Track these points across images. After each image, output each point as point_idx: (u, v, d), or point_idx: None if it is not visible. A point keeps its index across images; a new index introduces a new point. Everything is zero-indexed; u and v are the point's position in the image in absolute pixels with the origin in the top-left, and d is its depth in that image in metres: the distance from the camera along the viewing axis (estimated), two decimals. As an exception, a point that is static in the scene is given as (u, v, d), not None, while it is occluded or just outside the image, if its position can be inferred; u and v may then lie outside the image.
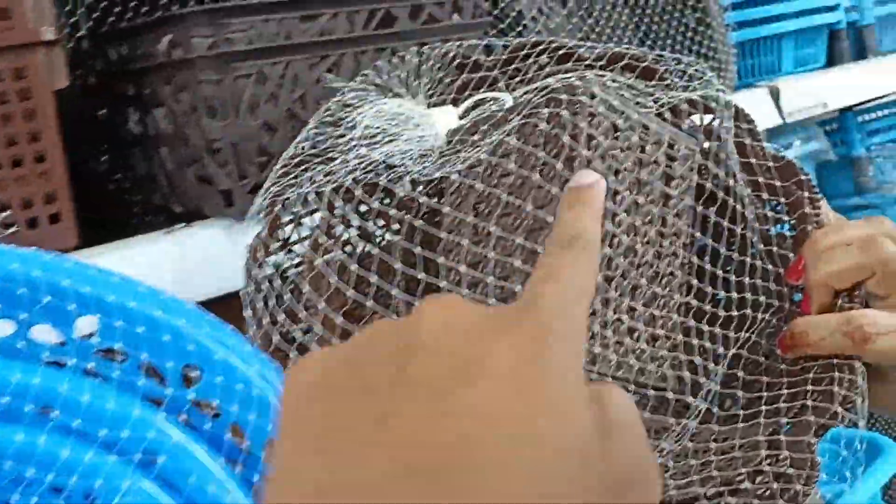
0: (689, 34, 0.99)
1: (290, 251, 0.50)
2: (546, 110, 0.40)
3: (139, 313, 0.33)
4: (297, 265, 0.48)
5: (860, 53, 1.46)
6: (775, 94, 1.19)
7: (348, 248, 0.49)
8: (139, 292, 0.34)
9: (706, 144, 0.50)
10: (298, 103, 0.67)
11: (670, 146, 0.45)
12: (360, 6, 0.69)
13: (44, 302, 0.32)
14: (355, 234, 0.48)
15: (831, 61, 1.39)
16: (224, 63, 0.63)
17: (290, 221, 0.50)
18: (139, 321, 0.33)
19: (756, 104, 1.19)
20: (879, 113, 1.51)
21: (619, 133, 0.42)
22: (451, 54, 0.51)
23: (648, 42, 0.97)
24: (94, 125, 0.72)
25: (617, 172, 0.42)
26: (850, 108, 1.46)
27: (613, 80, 0.44)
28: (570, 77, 0.41)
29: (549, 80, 0.41)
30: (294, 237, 0.50)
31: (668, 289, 0.45)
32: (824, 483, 0.89)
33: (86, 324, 0.33)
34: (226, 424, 0.36)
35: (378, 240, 0.49)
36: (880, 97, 1.46)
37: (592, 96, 0.41)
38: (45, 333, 0.33)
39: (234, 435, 0.36)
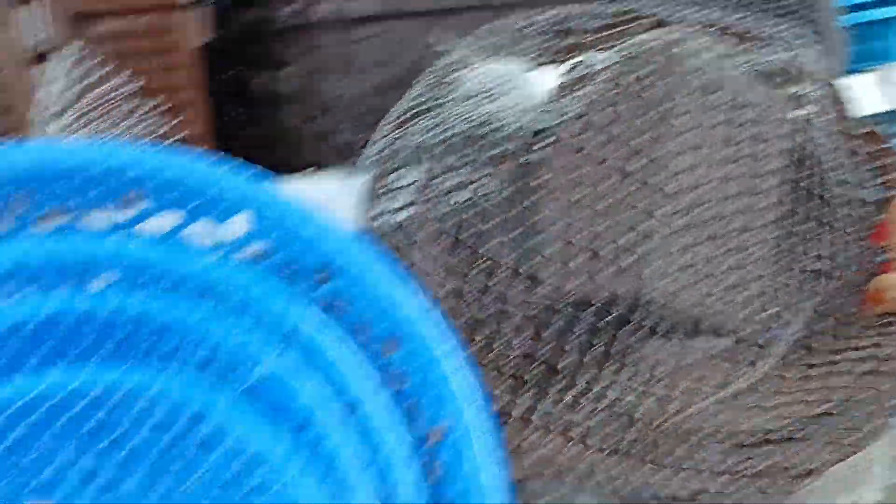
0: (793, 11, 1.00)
1: (396, 198, 0.55)
2: (643, 65, 0.43)
3: (288, 212, 0.39)
4: (405, 208, 0.53)
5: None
6: (886, 80, 1.17)
7: (451, 196, 0.53)
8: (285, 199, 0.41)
9: (800, 112, 0.52)
10: (409, 67, 0.72)
11: (764, 108, 0.48)
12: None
13: (208, 196, 0.38)
14: (458, 182, 0.53)
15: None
16: (344, 28, 0.68)
17: (398, 169, 0.55)
18: (288, 219, 0.39)
19: (865, 89, 1.18)
20: None
21: (712, 90, 0.45)
22: (554, 20, 0.55)
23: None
24: (227, 83, 0.79)
25: (707, 127, 0.45)
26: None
27: (709, 40, 0.47)
28: (666, 34, 0.44)
29: (645, 36, 0.44)
30: (402, 184, 0.54)
31: (755, 241, 0.48)
32: None
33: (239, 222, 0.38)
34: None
35: (480, 190, 0.54)
36: None
37: (687, 53, 0.44)
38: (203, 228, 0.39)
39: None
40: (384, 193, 0.55)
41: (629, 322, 0.44)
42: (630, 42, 0.46)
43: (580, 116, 0.47)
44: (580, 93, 0.47)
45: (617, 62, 0.45)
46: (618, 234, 0.44)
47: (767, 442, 0.44)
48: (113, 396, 0.43)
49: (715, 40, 0.48)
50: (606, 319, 0.44)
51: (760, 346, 0.47)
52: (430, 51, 0.75)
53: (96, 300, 0.43)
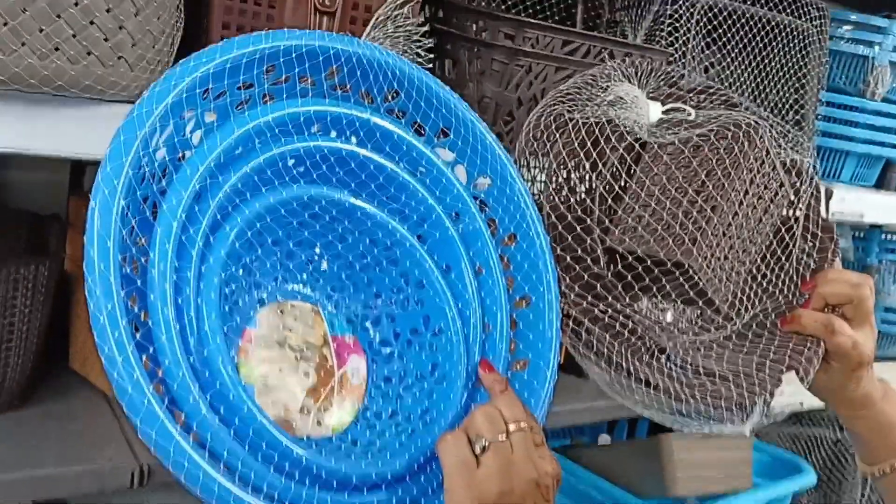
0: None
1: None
2: (729, 132, 0.78)
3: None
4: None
5: (903, 187, 1.83)
6: (829, 194, 1.56)
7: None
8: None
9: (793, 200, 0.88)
10: (540, 93, 1.05)
11: (780, 186, 0.84)
12: (597, 43, 1.06)
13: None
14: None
15: (879, 185, 1.76)
16: (511, 54, 1.00)
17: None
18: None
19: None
20: (899, 237, 1.90)
21: (763, 164, 0.81)
22: (666, 72, 0.89)
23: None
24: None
25: (751, 189, 0.81)
26: (878, 226, 1.84)
27: (765, 127, 0.82)
28: (745, 116, 0.79)
29: (732, 111, 0.79)
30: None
31: (748, 260, 0.84)
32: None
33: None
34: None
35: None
36: (906, 224, 1.83)
37: (760, 136, 0.79)
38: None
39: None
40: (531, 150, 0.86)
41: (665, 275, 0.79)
42: (720, 111, 0.81)
43: (673, 143, 0.81)
44: (677, 128, 0.82)
45: (707, 118, 0.80)
46: (672, 222, 0.78)
47: (717, 376, 0.79)
48: (352, 214, 0.74)
49: (765, 129, 0.82)
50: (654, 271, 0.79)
51: (727, 319, 0.83)
52: (555, 85, 1.09)
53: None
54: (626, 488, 1.29)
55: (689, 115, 0.85)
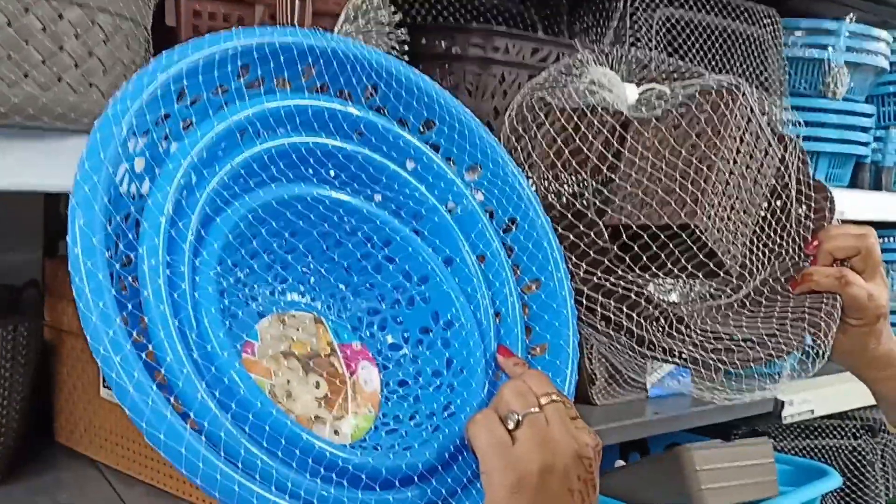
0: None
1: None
2: (713, 91, 0.77)
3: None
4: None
5: (876, 185, 1.84)
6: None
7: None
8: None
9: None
10: (513, 98, 1.04)
11: (768, 145, 0.82)
12: (565, 49, 1.06)
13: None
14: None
15: (853, 184, 1.76)
16: (482, 64, 1.00)
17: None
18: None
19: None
20: (880, 233, 1.89)
21: (749, 122, 0.79)
22: (638, 59, 0.88)
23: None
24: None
25: (741, 148, 0.79)
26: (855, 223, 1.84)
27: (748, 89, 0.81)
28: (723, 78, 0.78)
29: (708, 78, 0.78)
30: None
31: (750, 220, 0.82)
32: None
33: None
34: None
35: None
36: (882, 222, 1.84)
37: (743, 94, 0.78)
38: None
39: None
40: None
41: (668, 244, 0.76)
42: (695, 80, 0.80)
43: (658, 119, 0.80)
44: (658, 105, 0.81)
45: (690, 91, 0.79)
46: (671, 187, 0.76)
47: (732, 340, 0.76)
48: (338, 209, 0.70)
49: (746, 87, 0.81)
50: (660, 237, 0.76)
51: (739, 284, 0.80)
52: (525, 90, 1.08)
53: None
54: (650, 507, 1.23)
55: (666, 91, 0.84)
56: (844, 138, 1.68)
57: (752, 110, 0.81)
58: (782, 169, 0.86)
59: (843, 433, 1.82)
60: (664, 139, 0.79)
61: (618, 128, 0.83)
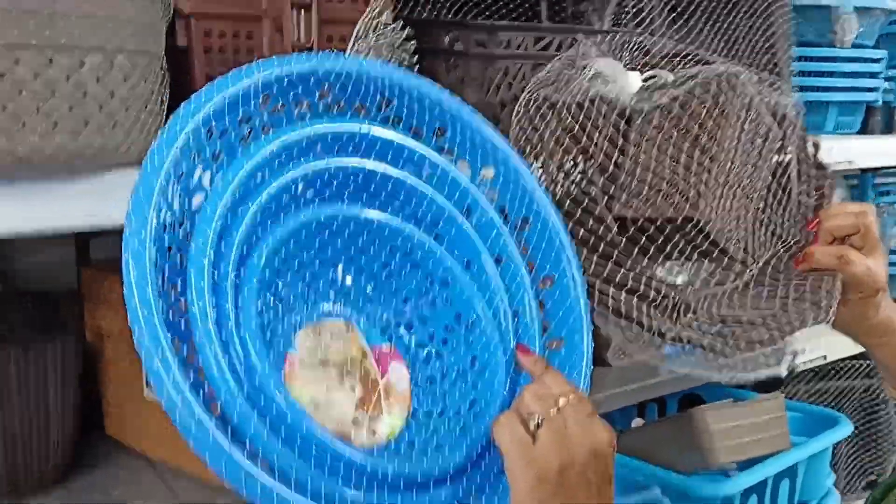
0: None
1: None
2: (712, 82, 0.80)
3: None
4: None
5: (888, 128, 1.85)
6: (817, 146, 1.58)
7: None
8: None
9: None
10: (520, 91, 1.07)
11: (768, 130, 0.86)
12: (566, 35, 1.09)
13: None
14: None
15: (864, 130, 1.77)
16: (486, 59, 1.03)
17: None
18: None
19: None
20: (892, 178, 1.91)
21: (749, 110, 0.83)
22: (639, 45, 0.92)
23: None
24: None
25: (742, 136, 0.83)
26: (870, 170, 1.86)
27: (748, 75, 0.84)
28: (723, 66, 0.82)
29: (708, 67, 0.81)
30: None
31: (752, 205, 0.86)
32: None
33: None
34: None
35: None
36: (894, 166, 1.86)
37: (741, 81, 0.81)
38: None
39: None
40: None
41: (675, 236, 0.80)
42: (695, 69, 0.83)
43: (661, 107, 0.84)
44: (661, 93, 0.84)
45: (692, 78, 0.82)
46: (674, 180, 0.80)
47: (747, 323, 0.81)
48: (369, 226, 0.75)
49: (746, 75, 0.84)
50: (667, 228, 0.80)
51: (743, 266, 0.85)
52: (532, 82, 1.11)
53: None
54: (667, 466, 1.29)
55: (669, 78, 0.87)
56: (854, 86, 1.69)
57: (751, 98, 0.84)
58: (782, 146, 0.90)
59: (856, 374, 1.87)
60: (667, 134, 0.83)
61: (621, 121, 0.87)
